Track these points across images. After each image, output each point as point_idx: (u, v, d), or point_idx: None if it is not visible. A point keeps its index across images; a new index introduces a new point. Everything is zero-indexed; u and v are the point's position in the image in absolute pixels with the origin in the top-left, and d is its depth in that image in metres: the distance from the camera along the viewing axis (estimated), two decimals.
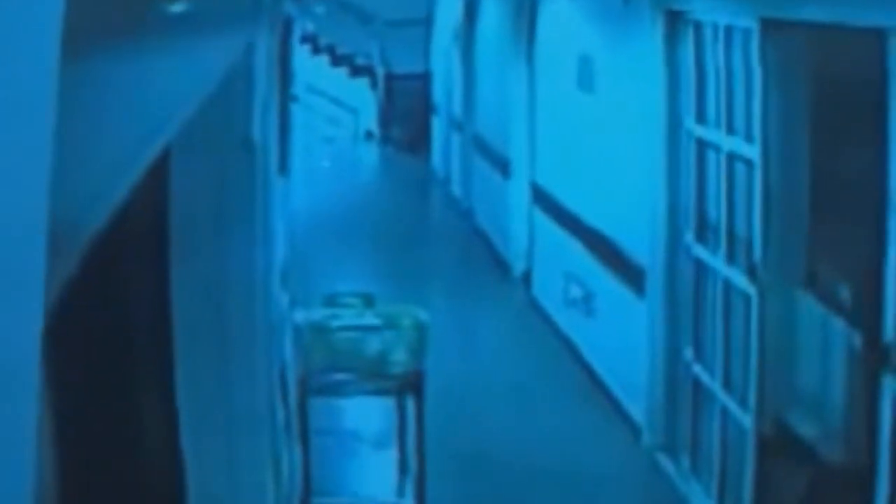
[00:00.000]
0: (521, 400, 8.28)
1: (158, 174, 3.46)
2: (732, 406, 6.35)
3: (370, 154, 19.43)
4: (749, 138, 6.07)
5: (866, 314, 5.02)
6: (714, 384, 6.62)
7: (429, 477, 6.20)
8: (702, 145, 6.82)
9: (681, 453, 7.07)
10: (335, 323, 6.20)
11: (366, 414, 7.34)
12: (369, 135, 20.06)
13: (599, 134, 8.47)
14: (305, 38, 19.34)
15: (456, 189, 15.05)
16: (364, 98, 19.87)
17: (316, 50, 19.96)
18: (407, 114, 18.68)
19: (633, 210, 7.67)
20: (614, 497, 6.79)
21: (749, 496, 6.04)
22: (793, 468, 5.80)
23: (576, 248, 9.06)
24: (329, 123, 20.30)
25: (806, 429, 5.80)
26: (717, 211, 6.60)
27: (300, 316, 6.32)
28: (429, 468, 6.19)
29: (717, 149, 6.57)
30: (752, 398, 6.03)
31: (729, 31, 6.38)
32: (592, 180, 8.74)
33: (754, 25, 5.94)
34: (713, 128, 6.62)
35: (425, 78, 18.20)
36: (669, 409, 7.28)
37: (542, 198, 10.38)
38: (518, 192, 11.18)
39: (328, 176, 17.24)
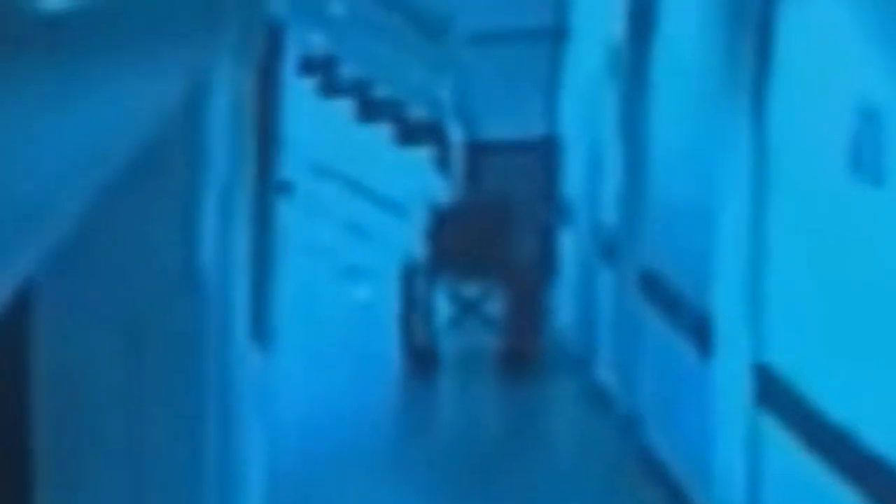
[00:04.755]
0: None
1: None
2: None
3: (435, 300, 14.37)
4: None
5: None
6: None
7: None
8: None
9: None
10: None
11: None
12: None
13: None
14: (310, 65, 13.96)
15: (605, 375, 11.61)
16: (425, 187, 14.20)
17: (330, 89, 14.36)
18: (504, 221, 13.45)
19: None
20: None
21: None
22: None
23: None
24: (355, 239, 15.18)
25: None
26: None
27: None
28: None
29: None
30: None
31: None
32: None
33: None
34: None
35: (546, 149, 13.13)
36: None
37: (780, 398, 7.90)
38: (729, 385, 8.49)
39: (350, 349, 12.60)
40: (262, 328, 7.00)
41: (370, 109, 14.64)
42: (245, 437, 6.17)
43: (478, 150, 13.26)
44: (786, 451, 7.58)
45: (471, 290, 12.53)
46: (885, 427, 6.23)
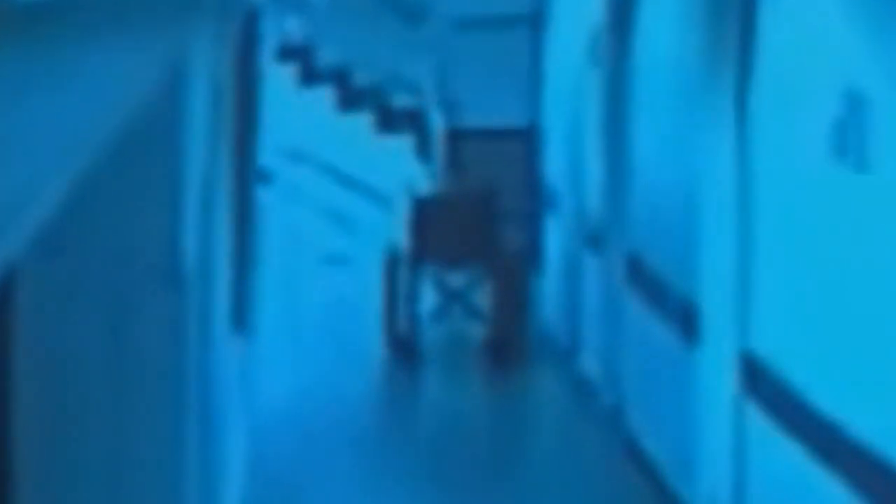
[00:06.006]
0: None
1: None
2: None
3: (420, 294, 13.92)
4: None
5: None
6: None
7: None
8: None
9: None
10: None
11: None
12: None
13: (888, 255, 6.20)
14: (288, 53, 14.03)
15: (589, 365, 11.42)
16: (405, 175, 13.77)
17: (309, 76, 14.39)
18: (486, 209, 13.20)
19: None
20: None
21: None
22: None
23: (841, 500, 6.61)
24: (335, 226, 14.98)
25: None
26: None
27: None
28: None
29: None
30: None
31: None
32: (883, 359, 6.19)
33: None
34: None
35: (528, 137, 12.91)
36: None
37: (766, 387, 7.63)
38: (715, 374, 8.39)
39: (332, 338, 12.36)
40: (242, 317, 6.90)
41: (350, 97, 14.39)
42: (226, 426, 6.09)
43: (459, 138, 13.11)
44: (771, 441, 7.44)
45: (457, 279, 12.33)
46: (872, 416, 6.11)
